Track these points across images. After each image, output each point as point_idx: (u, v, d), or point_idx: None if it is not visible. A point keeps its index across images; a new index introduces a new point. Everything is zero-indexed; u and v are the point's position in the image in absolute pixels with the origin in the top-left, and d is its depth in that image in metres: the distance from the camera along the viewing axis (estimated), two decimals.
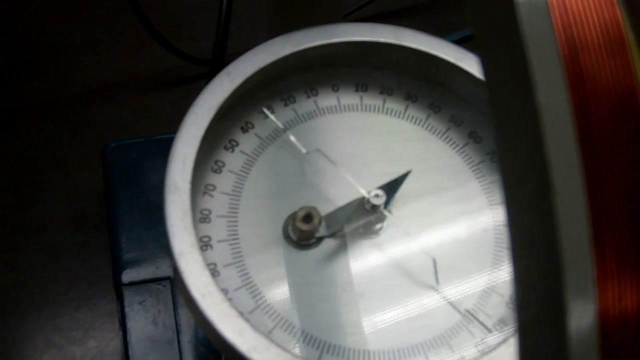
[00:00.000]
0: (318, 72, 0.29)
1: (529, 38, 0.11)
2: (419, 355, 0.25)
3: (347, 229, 0.26)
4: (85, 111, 0.47)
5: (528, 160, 0.11)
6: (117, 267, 0.36)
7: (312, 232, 0.26)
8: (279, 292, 0.25)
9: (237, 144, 0.28)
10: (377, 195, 0.26)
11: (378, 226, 0.27)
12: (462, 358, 0.24)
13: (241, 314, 0.23)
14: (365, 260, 0.26)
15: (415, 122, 0.29)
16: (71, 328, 0.40)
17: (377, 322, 0.25)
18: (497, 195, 0.28)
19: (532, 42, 0.11)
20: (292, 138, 0.28)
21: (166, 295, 0.36)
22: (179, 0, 0.51)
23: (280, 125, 0.28)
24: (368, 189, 0.26)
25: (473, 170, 0.28)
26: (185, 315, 0.35)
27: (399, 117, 0.29)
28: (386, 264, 0.26)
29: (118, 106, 0.47)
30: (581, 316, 0.11)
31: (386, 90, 0.30)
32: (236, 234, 0.26)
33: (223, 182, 0.27)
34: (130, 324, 0.35)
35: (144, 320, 0.36)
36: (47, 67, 0.48)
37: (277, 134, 0.28)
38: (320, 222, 0.26)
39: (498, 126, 0.12)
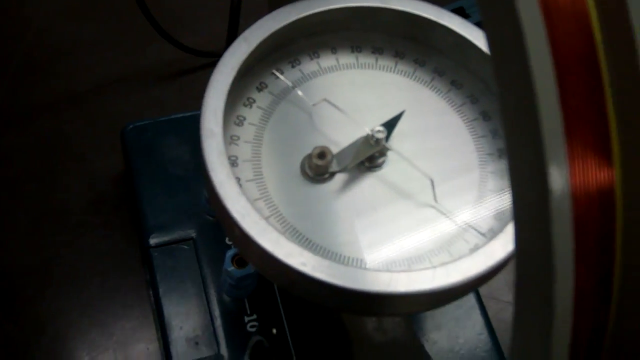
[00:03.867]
0: (319, 37, 0.33)
1: None
2: (425, 262, 0.29)
3: (355, 163, 0.31)
4: (97, 104, 0.51)
5: (517, 71, 0.16)
6: (145, 233, 0.41)
7: (326, 167, 0.30)
8: (303, 219, 0.30)
9: (255, 101, 0.32)
10: (379, 131, 0.30)
11: (381, 160, 0.31)
12: (459, 257, 0.28)
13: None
14: (373, 188, 0.31)
15: (404, 75, 0.34)
16: (100, 297, 0.44)
17: (387, 237, 0.30)
18: (478, 130, 0.33)
19: None
20: (300, 93, 0.32)
21: (190, 254, 0.40)
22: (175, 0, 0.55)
23: (289, 84, 0.33)
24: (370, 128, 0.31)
25: (457, 112, 0.33)
26: (208, 270, 0.40)
27: (390, 71, 0.34)
28: (391, 189, 0.31)
29: (126, 98, 0.51)
30: (557, 182, 0.15)
31: (377, 50, 0.34)
32: (261, 175, 0.30)
33: (245, 133, 0.31)
34: (160, 282, 0.39)
35: (172, 278, 0.40)
36: (59, 66, 0.52)
37: (287, 91, 0.33)
38: (332, 159, 0.30)
39: (493, 47, 0.17)
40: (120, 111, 0.50)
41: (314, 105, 0.32)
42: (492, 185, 0.31)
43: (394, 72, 0.34)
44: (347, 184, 0.31)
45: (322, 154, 0.30)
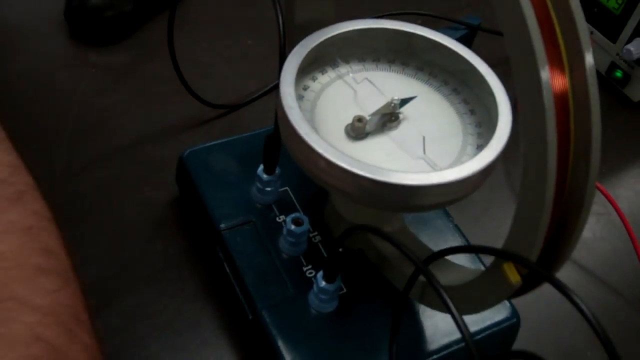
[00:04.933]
0: (339, 52, 0.49)
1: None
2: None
3: (378, 117, 0.46)
4: (140, 152, 0.64)
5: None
6: (215, 222, 0.54)
7: (363, 129, 0.46)
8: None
9: (303, 96, 0.48)
10: (395, 99, 0.46)
11: (396, 123, 0.47)
12: (466, 161, 0.43)
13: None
14: (392, 140, 0.46)
15: (409, 76, 0.50)
16: (172, 290, 0.56)
17: (400, 165, 0.45)
18: (460, 108, 0.49)
19: None
20: (351, 76, 0.48)
21: (253, 232, 0.54)
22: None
23: (328, 79, 0.48)
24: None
25: (446, 99, 0.49)
26: (267, 240, 0.53)
27: (398, 73, 0.50)
28: (402, 141, 0.46)
29: (163, 145, 0.65)
30: (545, 84, 0.32)
31: (376, 59, 0.51)
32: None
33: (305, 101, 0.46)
34: (234, 253, 0.52)
35: (242, 250, 0.53)
36: (103, 128, 0.65)
37: (322, 89, 0.48)
38: (366, 123, 0.46)
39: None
40: (160, 155, 0.64)
41: (358, 83, 0.48)
42: (471, 138, 0.47)
43: (401, 73, 0.50)
44: (376, 139, 0.46)
45: (360, 119, 0.46)
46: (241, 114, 0.69)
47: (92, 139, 0.65)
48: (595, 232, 0.66)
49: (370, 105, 0.47)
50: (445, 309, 0.37)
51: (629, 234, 0.62)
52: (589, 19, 0.76)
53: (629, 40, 0.74)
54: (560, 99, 0.35)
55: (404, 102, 0.47)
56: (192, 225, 0.59)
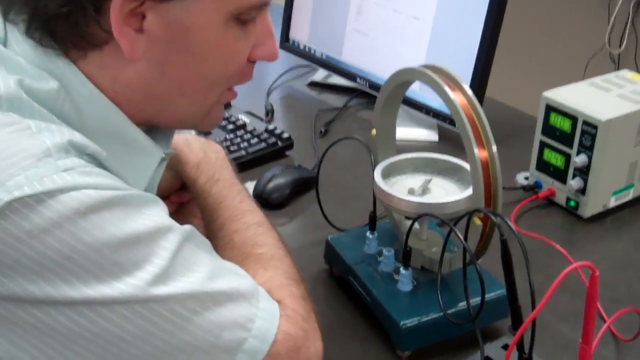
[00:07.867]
0: (404, 166, 1.07)
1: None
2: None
3: (422, 191, 1.02)
4: (302, 252, 1.19)
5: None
6: (348, 262, 1.07)
7: (414, 192, 1.01)
8: None
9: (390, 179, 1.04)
10: (427, 179, 1.02)
11: (428, 190, 1.02)
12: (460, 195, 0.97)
13: None
14: (427, 196, 1.02)
15: (432, 174, 1.07)
16: (327, 304, 1.07)
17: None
18: (453, 178, 1.04)
19: None
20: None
21: (366, 265, 1.06)
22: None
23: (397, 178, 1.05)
24: None
25: (443, 177, 1.05)
26: (374, 267, 1.05)
27: (428, 175, 1.07)
28: (432, 195, 1.02)
29: (317, 248, 1.20)
30: (477, 155, 0.89)
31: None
32: None
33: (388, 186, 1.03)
34: (359, 273, 1.05)
35: (362, 272, 1.05)
36: None
37: (398, 180, 1.05)
38: (414, 190, 1.01)
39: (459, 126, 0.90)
40: (318, 252, 1.18)
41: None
42: (462, 190, 1.02)
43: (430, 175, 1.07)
44: (421, 196, 1.01)
45: (412, 189, 1.01)
46: None
47: None
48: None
49: (417, 184, 1.03)
50: (467, 252, 0.88)
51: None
52: (550, 174, 1.32)
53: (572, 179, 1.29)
54: (483, 156, 0.91)
55: (430, 180, 1.04)
56: (332, 276, 1.13)
